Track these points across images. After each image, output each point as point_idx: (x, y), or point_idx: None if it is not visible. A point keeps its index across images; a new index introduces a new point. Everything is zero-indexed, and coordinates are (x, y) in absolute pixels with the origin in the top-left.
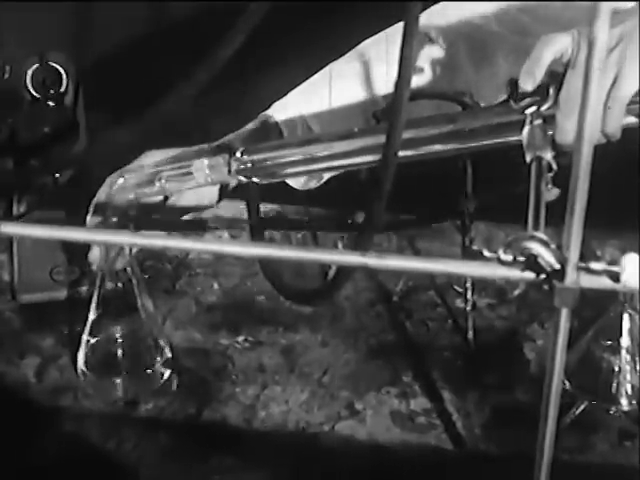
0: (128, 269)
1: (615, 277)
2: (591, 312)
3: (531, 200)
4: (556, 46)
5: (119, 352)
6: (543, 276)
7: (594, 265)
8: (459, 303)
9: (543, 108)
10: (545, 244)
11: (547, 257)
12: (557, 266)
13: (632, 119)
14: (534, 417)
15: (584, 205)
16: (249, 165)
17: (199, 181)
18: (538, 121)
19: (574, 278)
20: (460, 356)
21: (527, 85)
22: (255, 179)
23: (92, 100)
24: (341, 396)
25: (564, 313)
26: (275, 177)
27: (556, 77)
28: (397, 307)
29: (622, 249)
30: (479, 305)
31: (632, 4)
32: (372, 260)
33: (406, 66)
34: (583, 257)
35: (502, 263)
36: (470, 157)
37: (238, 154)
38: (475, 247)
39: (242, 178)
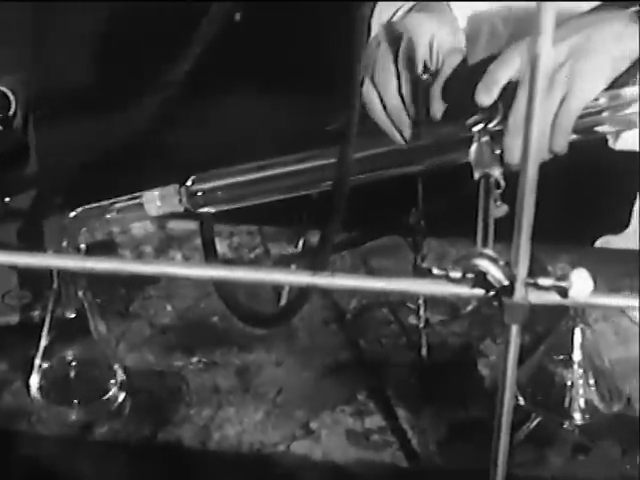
0: (80, 293)
1: (563, 292)
2: (544, 326)
3: (480, 217)
4: (513, 64)
5: (72, 376)
6: (492, 293)
7: (542, 281)
8: (412, 320)
9: (490, 125)
10: (493, 261)
11: (495, 274)
12: (506, 282)
13: (581, 135)
14: (489, 432)
15: (531, 222)
16: (200, 194)
17: (151, 213)
18: (486, 138)
19: (523, 294)
20: (414, 373)
21: (483, 101)
22: (206, 208)
23: (42, 123)
24: (296, 416)
25: (514, 329)
26: (226, 204)
27: (506, 94)
28: (351, 325)
29: (573, 264)
30: (432, 321)
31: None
32: (322, 280)
33: (354, 87)
34: (532, 273)
35: (451, 280)
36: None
37: (189, 183)
38: (424, 265)
39: (194, 208)
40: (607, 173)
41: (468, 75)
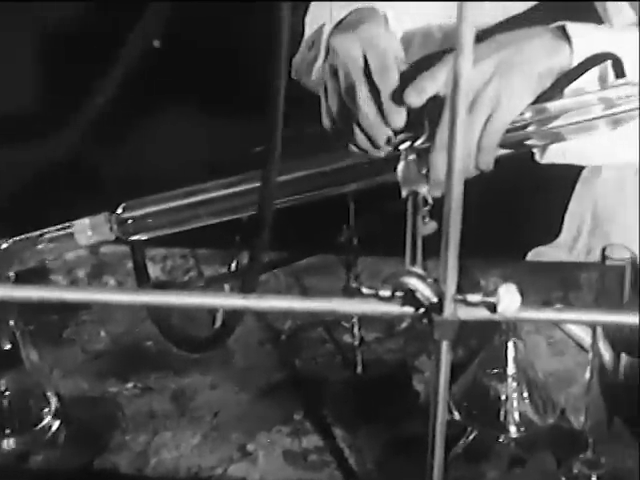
0: (11, 322)
1: (492, 308)
2: (478, 341)
3: (408, 235)
4: (441, 77)
5: (6, 406)
6: (422, 310)
7: (471, 297)
8: (347, 338)
9: (417, 143)
10: (422, 278)
11: (424, 291)
12: (435, 300)
13: (507, 150)
14: (425, 448)
15: (458, 239)
16: (130, 222)
17: (81, 242)
18: (412, 156)
19: (452, 311)
20: (350, 391)
21: (413, 101)
22: (138, 236)
23: None
24: (233, 438)
25: (444, 345)
26: (158, 231)
27: (432, 112)
28: (286, 345)
29: (505, 277)
30: (367, 339)
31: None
32: (253, 302)
33: (276, 105)
34: (464, 288)
35: (381, 299)
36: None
37: (119, 211)
38: (354, 284)
39: (125, 236)
40: (536, 185)
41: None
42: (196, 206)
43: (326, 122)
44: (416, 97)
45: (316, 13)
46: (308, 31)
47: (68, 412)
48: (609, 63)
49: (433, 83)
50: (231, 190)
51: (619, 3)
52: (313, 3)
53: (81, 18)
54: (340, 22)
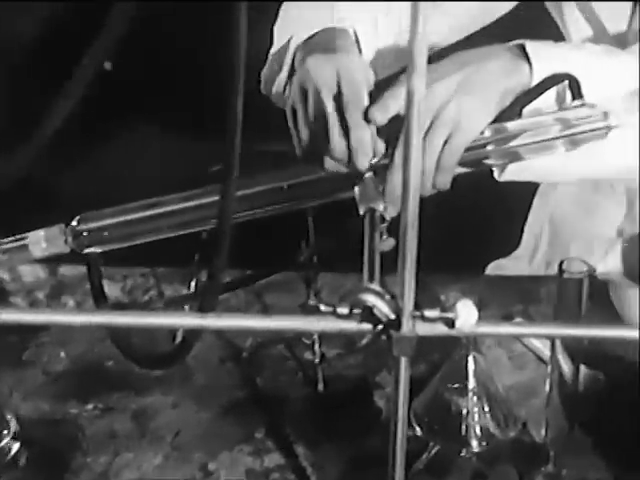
0: None
1: (450, 323)
2: (439, 356)
3: (365, 252)
4: (401, 99)
5: None
6: (380, 327)
7: (429, 313)
8: (309, 355)
9: (374, 161)
10: (379, 295)
11: (382, 308)
12: (392, 316)
13: (466, 168)
14: (387, 464)
15: (414, 255)
16: (85, 234)
17: (35, 254)
18: (369, 174)
19: (410, 327)
20: (312, 409)
21: (377, 117)
22: (93, 248)
23: None
24: (194, 458)
25: (403, 361)
26: (113, 244)
27: (389, 130)
28: (247, 363)
29: (465, 292)
30: (328, 356)
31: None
32: (210, 321)
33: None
34: (423, 304)
35: (339, 316)
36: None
37: (74, 223)
38: (312, 302)
39: (80, 249)
40: (494, 198)
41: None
42: (153, 219)
43: (295, 140)
44: (380, 115)
45: (285, 24)
46: (276, 42)
47: (28, 434)
48: (567, 83)
49: (396, 101)
50: (189, 203)
51: (577, 18)
52: (282, 14)
53: (40, 32)
54: (311, 37)
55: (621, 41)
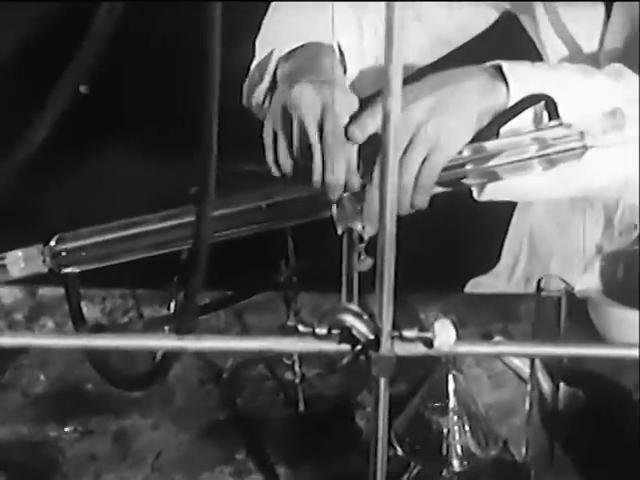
0: None
1: (429, 343)
2: (420, 375)
3: (343, 272)
4: (379, 118)
5: None
6: (359, 347)
7: (407, 333)
8: (289, 375)
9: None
10: (358, 315)
11: (360, 328)
12: (371, 336)
13: (444, 188)
14: None
15: (392, 275)
16: (63, 254)
17: (13, 274)
18: (347, 193)
19: (389, 347)
20: (292, 429)
21: (356, 136)
22: (71, 268)
23: None
24: (175, 479)
25: (382, 382)
26: (91, 264)
27: (367, 150)
28: (228, 384)
29: (444, 310)
30: (308, 376)
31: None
32: (189, 343)
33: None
34: (399, 324)
35: (317, 337)
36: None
37: (52, 243)
38: (290, 323)
39: (58, 268)
40: (472, 215)
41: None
42: (131, 239)
43: (270, 157)
44: (359, 134)
45: (267, 36)
46: (258, 54)
47: (8, 457)
48: (544, 104)
49: (374, 120)
50: (167, 223)
51: (552, 37)
52: (264, 27)
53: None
54: (294, 50)
55: (596, 60)
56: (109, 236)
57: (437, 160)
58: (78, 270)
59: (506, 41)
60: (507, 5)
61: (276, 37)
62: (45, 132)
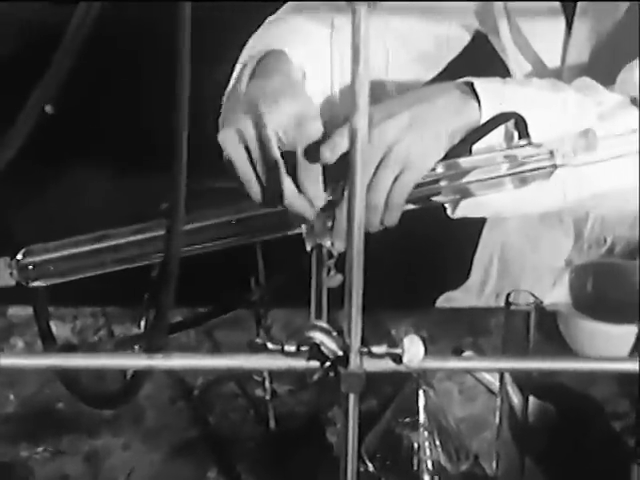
0: None
1: (398, 359)
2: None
3: (312, 288)
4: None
5: None
6: (328, 364)
7: (376, 349)
8: (260, 392)
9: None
10: (327, 332)
11: (329, 345)
12: (340, 353)
13: (416, 205)
14: None
15: (360, 292)
16: (31, 267)
17: None
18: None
19: (357, 363)
20: (264, 447)
21: (327, 157)
22: (39, 282)
23: None
24: None
25: (351, 398)
26: (59, 278)
27: (337, 168)
28: (198, 402)
29: (416, 326)
30: (279, 392)
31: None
32: (159, 361)
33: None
34: (366, 341)
35: (287, 354)
36: (260, 243)
37: (19, 256)
38: (259, 340)
39: (25, 282)
40: (443, 230)
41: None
42: (100, 252)
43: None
44: (330, 153)
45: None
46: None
47: None
48: (513, 122)
49: (345, 139)
50: (136, 237)
51: (516, 54)
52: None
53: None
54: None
55: (559, 76)
56: (78, 249)
57: (409, 179)
58: (46, 284)
59: (479, 62)
60: (477, 25)
61: (246, 54)
62: (14, 150)
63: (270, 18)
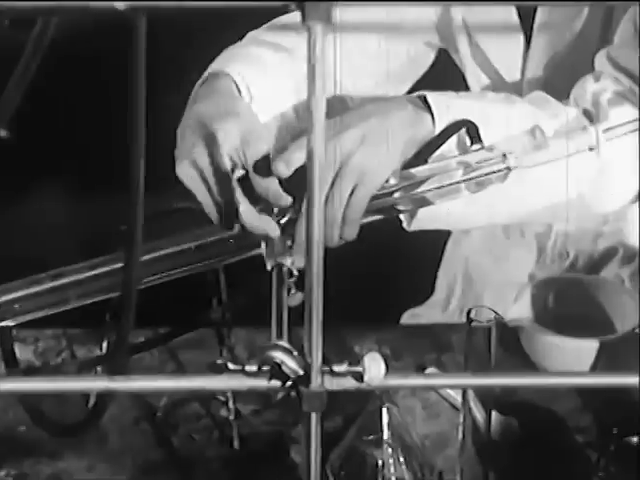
0: None
1: (359, 377)
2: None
3: (273, 307)
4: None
5: None
6: (289, 383)
7: (337, 367)
8: (224, 412)
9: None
10: (288, 352)
11: (290, 364)
12: (301, 372)
13: (375, 216)
14: None
15: (321, 311)
16: None
17: None
18: None
19: (319, 382)
20: (228, 467)
21: (281, 171)
22: (5, 322)
23: None
24: None
25: (313, 417)
26: (24, 316)
27: (297, 185)
28: (162, 422)
29: (379, 342)
30: (243, 412)
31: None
32: (120, 384)
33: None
34: (327, 360)
35: (248, 374)
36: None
37: None
38: (219, 360)
39: None
40: (407, 246)
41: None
42: (63, 289)
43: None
44: (284, 168)
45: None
46: None
47: None
48: (465, 129)
49: (300, 154)
50: (98, 270)
51: (475, 69)
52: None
53: None
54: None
55: (518, 90)
56: (40, 287)
57: (365, 192)
58: (14, 323)
59: (442, 80)
60: (439, 42)
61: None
62: None
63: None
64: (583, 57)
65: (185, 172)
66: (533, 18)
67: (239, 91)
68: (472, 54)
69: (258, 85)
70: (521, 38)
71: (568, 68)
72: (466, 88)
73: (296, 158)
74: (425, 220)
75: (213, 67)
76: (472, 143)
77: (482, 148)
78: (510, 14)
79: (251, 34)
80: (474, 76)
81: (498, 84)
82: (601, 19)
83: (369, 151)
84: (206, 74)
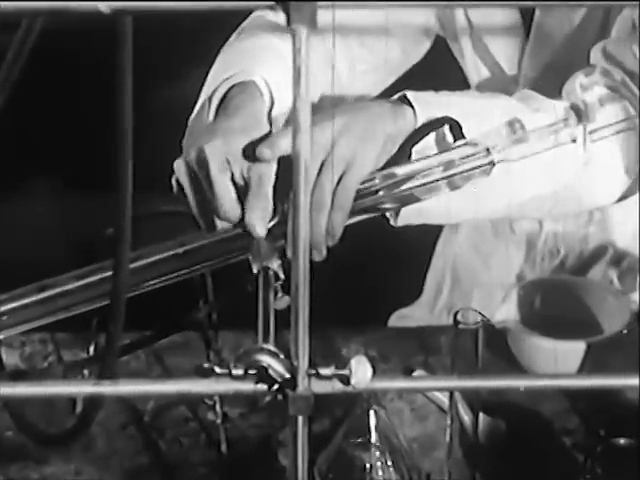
0: None
1: (346, 380)
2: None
3: (259, 311)
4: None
5: None
6: (276, 387)
7: (324, 371)
8: (211, 416)
9: (270, 225)
10: (274, 355)
11: (277, 368)
12: (287, 375)
13: (361, 216)
14: None
15: (307, 314)
16: None
17: None
18: None
19: (305, 385)
20: (216, 470)
21: (264, 154)
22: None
23: None
24: None
25: (300, 420)
26: (13, 330)
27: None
28: (149, 427)
29: (367, 344)
30: (231, 416)
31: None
32: (107, 388)
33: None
34: (314, 363)
35: (234, 378)
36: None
37: None
38: (206, 364)
39: None
40: (397, 246)
41: None
42: (50, 300)
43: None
44: (268, 151)
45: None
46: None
47: None
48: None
49: (285, 139)
50: (86, 280)
51: (475, 61)
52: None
53: None
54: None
55: (516, 83)
56: (28, 300)
57: (352, 178)
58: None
59: (437, 68)
60: (438, 30)
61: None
62: None
63: (231, 39)
64: (581, 52)
65: (177, 165)
66: (533, 12)
67: (260, 107)
68: (473, 44)
69: (283, 85)
70: (522, 30)
71: (565, 64)
72: (463, 80)
73: (281, 143)
74: (411, 215)
75: (238, 72)
76: (455, 140)
77: (466, 144)
78: (512, 8)
79: (256, 14)
80: (473, 67)
81: (497, 76)
82: (600, 15)
83: (353, 137)
84: (230, 83)
